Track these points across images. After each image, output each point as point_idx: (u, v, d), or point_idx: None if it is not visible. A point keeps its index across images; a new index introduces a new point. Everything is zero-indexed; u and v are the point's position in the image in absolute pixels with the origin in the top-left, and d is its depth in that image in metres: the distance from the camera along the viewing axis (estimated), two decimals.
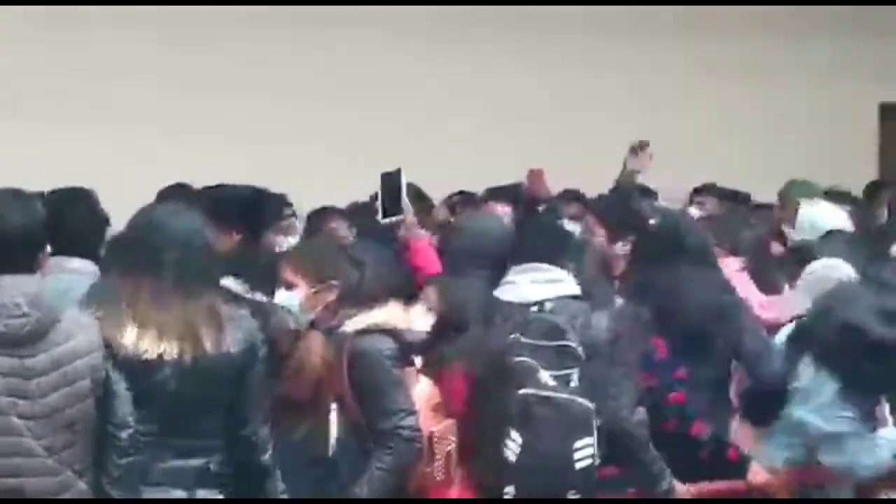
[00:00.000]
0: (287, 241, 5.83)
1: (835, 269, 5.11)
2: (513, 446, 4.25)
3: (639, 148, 5.95)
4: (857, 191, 8.56)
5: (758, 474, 4.72)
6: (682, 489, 4.58)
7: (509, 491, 4.23)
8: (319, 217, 6.28)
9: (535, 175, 7.61)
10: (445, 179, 7.38)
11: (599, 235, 5.53)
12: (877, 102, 10.59)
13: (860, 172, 9.92)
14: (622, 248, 5.39)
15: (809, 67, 10.16)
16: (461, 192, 7.31)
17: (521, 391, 4.27)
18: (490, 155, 8.79)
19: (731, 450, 4.74)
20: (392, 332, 4.09)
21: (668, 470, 4.54)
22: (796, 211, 6.76)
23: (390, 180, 5.00)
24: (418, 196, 6.05)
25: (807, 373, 4.77)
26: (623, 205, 5.80)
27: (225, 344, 3.54)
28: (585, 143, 9.05)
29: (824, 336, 4.73)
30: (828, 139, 10.10)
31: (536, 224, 5.10)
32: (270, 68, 8.92)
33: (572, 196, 7.35)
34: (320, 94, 8.92)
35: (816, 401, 4.72)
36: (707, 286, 4.81)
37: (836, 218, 6.47)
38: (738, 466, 4.73)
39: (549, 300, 4.57)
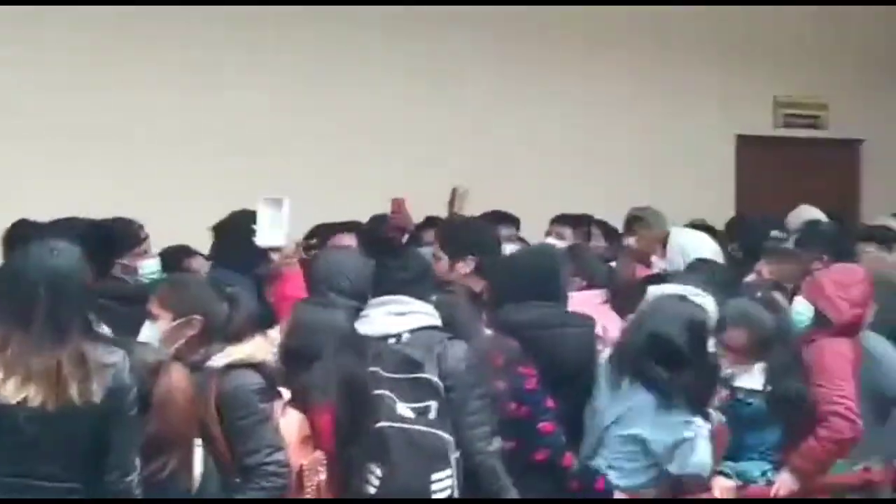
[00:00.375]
0: (144, 265, 5.83)
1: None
2: (372, 479, 4.25)
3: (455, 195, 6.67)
4: (718, 217, 8.72)
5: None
6: None
7: None
8: (176, 256, 6.23)
9: (396, 204, 7.62)
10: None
11: (441, 258, 5.53)
12: (734, 133, 10.78)
13: (719, 200, 10.17)
14: (463, 268, 5.43)
15: (671, 99, 10.31)
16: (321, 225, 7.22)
17: (379, 424, 4.26)
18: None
19: (600, 480, 4.76)
20: (258, 366, 4.05)
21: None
22: (664, 239, 6.83)
23: (276, 206, 4.97)
24: None
25: (631, 391, 4.82)
26: (466, 228, 5.86)
27: (90, 392, 3.49)
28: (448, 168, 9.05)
29: (635, 348, 4.80)
30: (689, 168, 10.26)
31: (395, 255, 5.04)
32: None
33: (432, 223, 7.31)
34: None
35: (649, 416, 4.77)
36: (570, 322, 4.92)
37: (706, 246, 6.54)
38: (606, 497, 4.76)
39: (405, 332, 4.52)
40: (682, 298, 4.96)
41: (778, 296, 5.68)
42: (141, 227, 6.12)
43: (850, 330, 5.27)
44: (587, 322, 5.01)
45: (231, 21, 8.62)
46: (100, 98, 8.21)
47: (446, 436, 4.33)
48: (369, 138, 9.11)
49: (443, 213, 7.38)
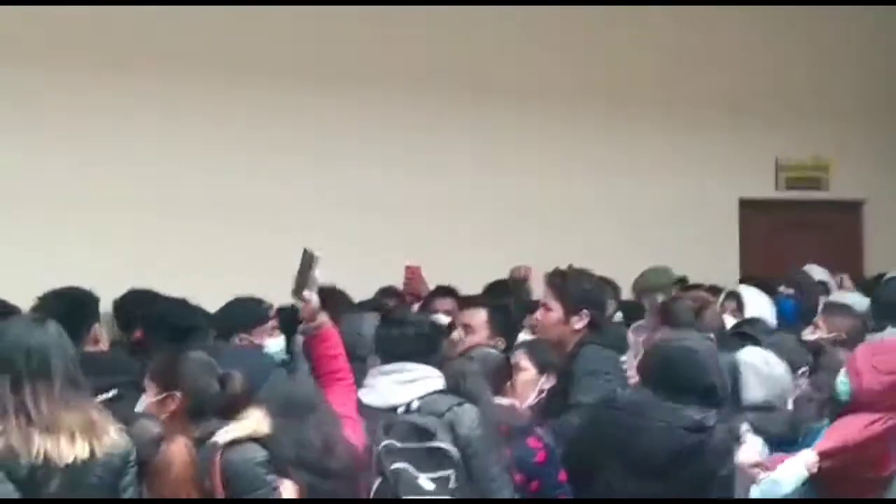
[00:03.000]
0: (269, 344, 5.88)
1: None
2: None
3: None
4: (723, 279, 8.70)
5: None
6: None
7: None
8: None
9: (410, 271, 7.59)
10: None
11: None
12: (737, 196, 10.78)
13: (724, 263, 10.14)
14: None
15: (675, 163, 10.33)
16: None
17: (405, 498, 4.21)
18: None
19: None
20: (262, 441, 4.02)
21: None
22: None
23: (306, 261, 4.73)
24: None
25: None
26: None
27: (101, 451, 3.69)
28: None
29: None
30: (693, 231, 10.26)
31: (400, 322, 4.96)
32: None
33: (445, 291, 7.29)
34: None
35: None
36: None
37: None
38: None
39: (415, 400, 4.47)
40: None
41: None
42: (270, 306, 6.14)
43: None
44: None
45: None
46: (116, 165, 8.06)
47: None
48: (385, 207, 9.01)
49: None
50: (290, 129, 8.59)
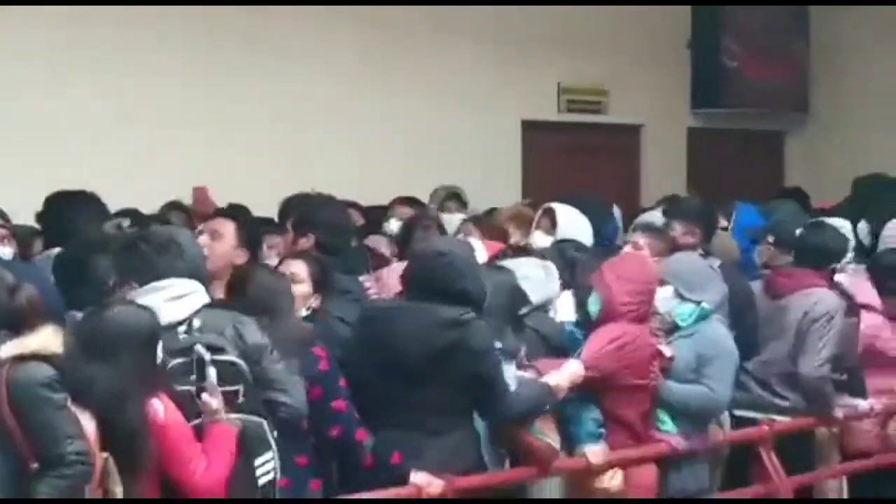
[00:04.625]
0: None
1: None
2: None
3: None
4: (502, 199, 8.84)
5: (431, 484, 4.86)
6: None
7: None
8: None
9: (198, 192, 7.58)
10: None
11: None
12: (519, 119, 10.96)
13: (506, 185, 10.31)
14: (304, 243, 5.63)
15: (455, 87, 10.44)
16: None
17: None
18: None
19: (395, 455, 4.78)
20: (49, 359, 3.94)
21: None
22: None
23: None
24: None
25: None
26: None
27: None
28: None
29: None
30: (477, 155, 10.40)
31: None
32: None
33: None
34: None
35: None
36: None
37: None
38: (400, 471, 4.83)
39: (194, 317, 4.39)
40: None
41: None
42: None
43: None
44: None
45: None
46: None
47: (258, 419, 4.31)
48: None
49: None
50: None
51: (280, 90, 9.56)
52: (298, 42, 9.74)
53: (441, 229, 6.59)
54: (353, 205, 7.56)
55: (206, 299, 4.49)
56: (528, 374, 5.26)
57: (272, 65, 9.55)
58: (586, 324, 5.57)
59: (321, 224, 5.77)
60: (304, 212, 5.93)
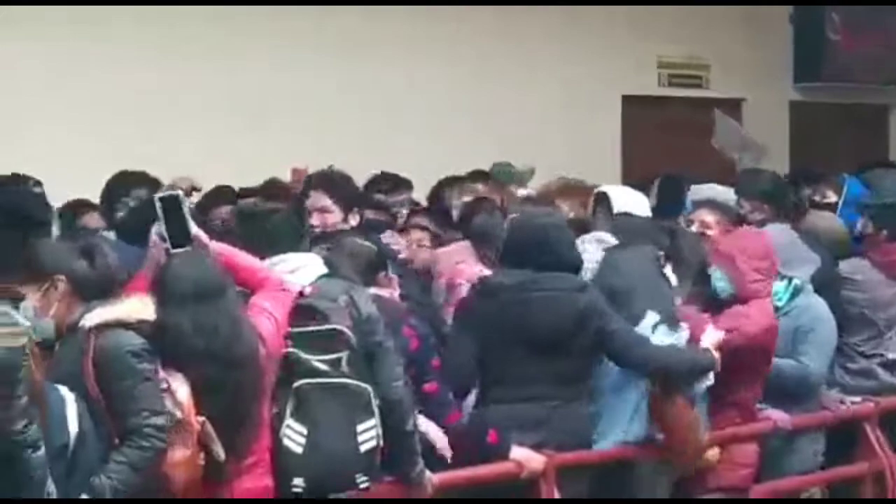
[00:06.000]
0: None
1: None
2: (297, 437, 4.17)
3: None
4: (604, 175, 8.75)
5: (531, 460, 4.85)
6: (433, 477, 4.58)
7: (298, 482, 4.16)
8: (72, 210, 6.08)
9: (297, 173, 7.59)
10: None
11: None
12: (620, 94, 10.84)
13: (606, 159, 10.22)
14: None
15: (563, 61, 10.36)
16: None
17: (297, 384, 4.19)
18: None
19: (491, 434, 4.75)
20: (135, 327, 3.92)
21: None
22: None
23: (172, 205, 4.23)
24: None
25: None
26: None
27: None
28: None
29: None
30: (578, 128, 10.30)
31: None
32: None
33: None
34: None
35: None
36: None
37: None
38: (499, 450, 4.79)
39: (305, 286, 4.40)
40: None
41: None
42: None
43: None
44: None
45: None
46: None
47: (364, 385, 4.27)
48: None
49: None
50: None
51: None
52: (400, 30, 9.72)
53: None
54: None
55: (321, 271, 4.50)
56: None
57: (362, 52, 9.56)
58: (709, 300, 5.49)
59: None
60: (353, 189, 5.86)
